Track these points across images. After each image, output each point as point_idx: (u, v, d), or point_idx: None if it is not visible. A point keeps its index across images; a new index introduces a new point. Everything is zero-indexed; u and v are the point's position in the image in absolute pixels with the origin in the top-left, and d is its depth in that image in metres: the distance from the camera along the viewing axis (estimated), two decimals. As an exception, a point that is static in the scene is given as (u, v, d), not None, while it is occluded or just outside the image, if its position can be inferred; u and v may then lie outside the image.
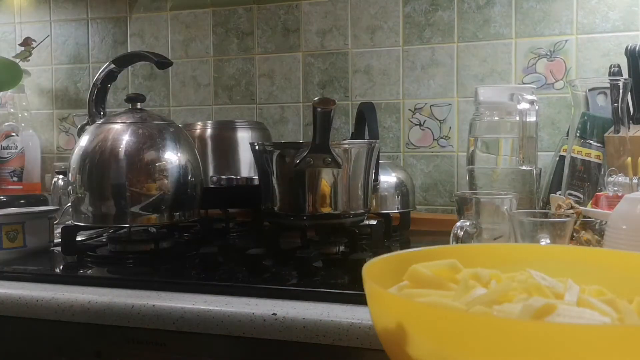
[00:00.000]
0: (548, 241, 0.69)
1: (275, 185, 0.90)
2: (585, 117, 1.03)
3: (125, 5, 1.56)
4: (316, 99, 0.83)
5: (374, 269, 0.44)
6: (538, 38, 1.26)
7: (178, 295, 0.73)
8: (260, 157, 0.93)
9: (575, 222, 0.79)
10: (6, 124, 1.54)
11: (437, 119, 1.33)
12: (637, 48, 1.05)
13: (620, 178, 0.87)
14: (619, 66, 1.09)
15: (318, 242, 0.92)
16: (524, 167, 0.95)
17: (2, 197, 1.12)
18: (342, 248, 0.91)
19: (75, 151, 0.95)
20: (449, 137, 1.32)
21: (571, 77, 1.23)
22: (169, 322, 0.70)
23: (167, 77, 1.53)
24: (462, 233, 0.76)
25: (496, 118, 1.02)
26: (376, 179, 0.98)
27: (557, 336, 0.31)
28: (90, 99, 1.04)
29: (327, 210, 0.88)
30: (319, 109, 0.82)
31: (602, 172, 1.00)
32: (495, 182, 1.00)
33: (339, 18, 1.38)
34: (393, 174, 1.13)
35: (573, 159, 1.02)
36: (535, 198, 0.99)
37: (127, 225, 0.93)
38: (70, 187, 0.96)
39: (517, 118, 0.95)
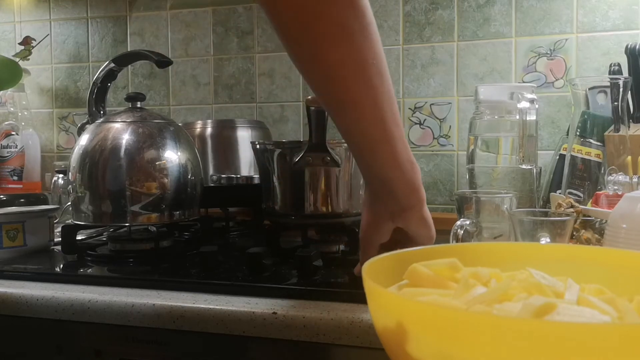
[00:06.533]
0: (548, 240, 0.69)
1: (276, 184, 0.90)
2: (585, 116, 1.03)
3: (125, 4, 1.55)
4: (309, 97, 0.83)
5: (373, 268, 0.44)
6: (538, 37, 1.25)
7: (178, 294, 0.73)
8: (261, 156, 0.93)
9: (575, 221, 0.79)
10: (6, 122, 1.54)
11: (437, 118, 1.33)
12: (637, 47, 1.05)
13: (620, 177, 0.87)
14: (619, 65, 1.09)
15: (318, 241, 0.92)
16: (524, 166, 0.95)
17: (2, 196, 1.11)
18: (342, 247, 0.91)
19: (75, 150, 0.95)
20: (449, 136, 1.32)
21: (571, 76, 1.23)
22: (169, 321, 0.70)
23: (167, 76, 1.53)
24: (462, 232, 0.76)
25: (496, 117, 1.02)
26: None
27: (557, 335, 0.31)
28: (90, 98, 1.04)
29: (328, 209, 0.88)
30: (313, 108, 0.82)
31: (602, 171, 1.00)
32: (495, 181, 1.00)
33: (339, 17, 1.38)
34: (393, 173, 1.13)
35: (573, 158, 1.02)
36: (535, 197, 0.99)
37: (127, 224, 0.93)
38: (70, 186, 0.96)
39: (517, 117, 0.95)
